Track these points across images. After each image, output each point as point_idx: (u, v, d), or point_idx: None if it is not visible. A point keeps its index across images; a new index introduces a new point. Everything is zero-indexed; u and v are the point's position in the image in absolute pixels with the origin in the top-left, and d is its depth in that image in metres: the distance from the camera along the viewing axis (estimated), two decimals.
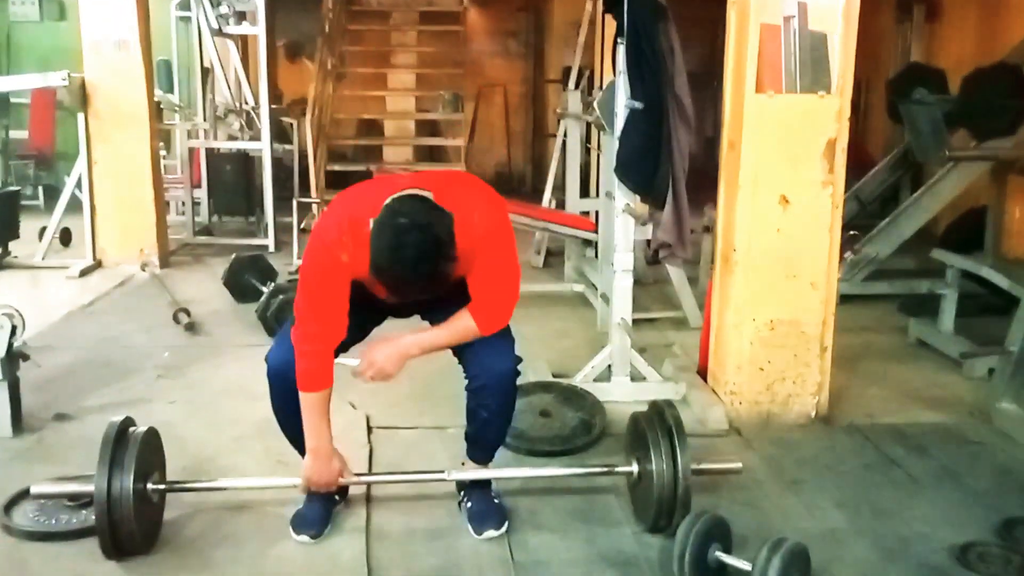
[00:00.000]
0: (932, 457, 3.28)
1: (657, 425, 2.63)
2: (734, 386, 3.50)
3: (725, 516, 2.46)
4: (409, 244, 2.17)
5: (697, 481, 2.60)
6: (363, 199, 2.39)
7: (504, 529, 2.66)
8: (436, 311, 2.58)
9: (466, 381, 2.59)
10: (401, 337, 2.49)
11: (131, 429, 2.51)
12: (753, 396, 3.50)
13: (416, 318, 2.68)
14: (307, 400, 2.47)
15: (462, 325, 2.48)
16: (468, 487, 2.76)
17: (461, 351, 2.60)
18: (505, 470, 2.58)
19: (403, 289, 2.30)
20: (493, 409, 2.60)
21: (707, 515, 2.39)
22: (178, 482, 2.68)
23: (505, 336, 2.56)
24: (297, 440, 2.62)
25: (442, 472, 2.71)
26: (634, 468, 2.69)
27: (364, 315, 2.57)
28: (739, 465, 2.82)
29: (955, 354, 4.24)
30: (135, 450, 2.43)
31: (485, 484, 2.77)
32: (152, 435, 2.57)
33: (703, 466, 2.70)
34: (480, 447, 2.74)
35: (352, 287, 2.45)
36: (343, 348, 2.55)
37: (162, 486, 2.57)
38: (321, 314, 2.42)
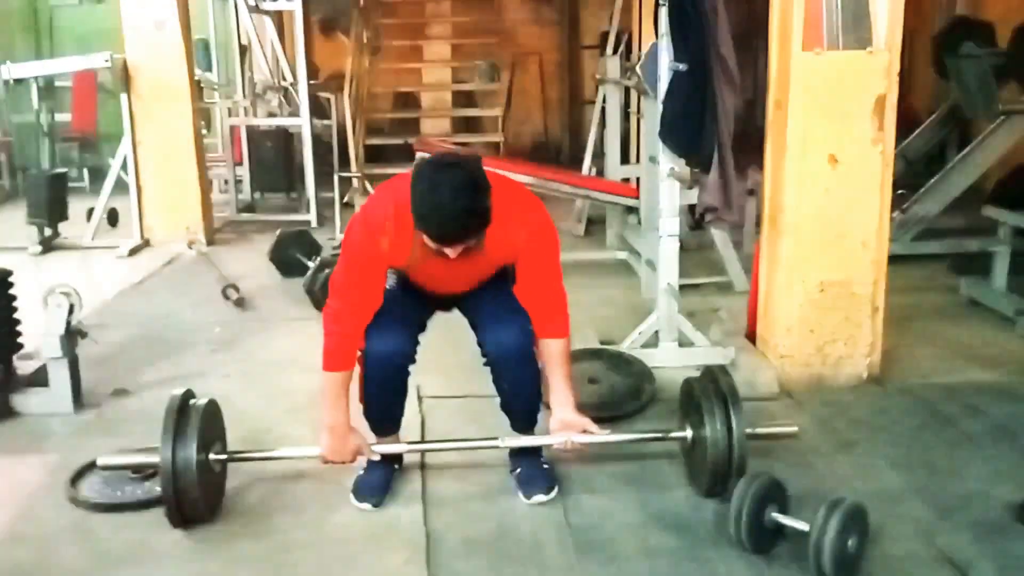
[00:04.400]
0: (987, 416, 3.24)
1: (711, 391, 2.63)
2: (784, 349, 3.48)
3: (779, 478, 2.45)
4: (445, 180, 2.24)
5: (750, 443, 2.59)
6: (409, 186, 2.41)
7: (554, 494, 2.68)
8: (474, 301, 2.67)
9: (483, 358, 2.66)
10: (565, 412, 2.61)
11: (192, 401, 2.57)
12: (804, 358, 3.47)
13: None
14: (329, 379, 2.52)
15: (560, 351, 2.58)
16: (517, 455, 2.79)
17: (473, 323, 2.68)
18: (558, 436, 2.60)
19: (445, 228, 2.28)
20: (510, 380, 2.66)
21: (763, 476, 2.40)
22: (239, 452, 2.74)
23: (514, 310, 2.58)
24: (379, 422, 2.70)
25: (495, 439, 2.73)
26: (688, 433, 2.70)
27: (416, 309, 2.66)
28: (795, 429, 2.81)
29: (1009, 312, 4.18)
30: (197, 421, 2.49)
31: (534, 451, 2.79)
32: (212, 406, 2.62)
33: (758, 431, 2.69)
34: (515, 418, 2.78)
35: (400, 281, 2.58)
36: (413, 348, 2.62)
37: (224, 456, 2.63)
38: (354, 296, 2.48)
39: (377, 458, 2.71)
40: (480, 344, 2.64)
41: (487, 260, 2.53)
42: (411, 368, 2.65)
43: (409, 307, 2.63)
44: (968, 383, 3.54)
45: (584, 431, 2.60)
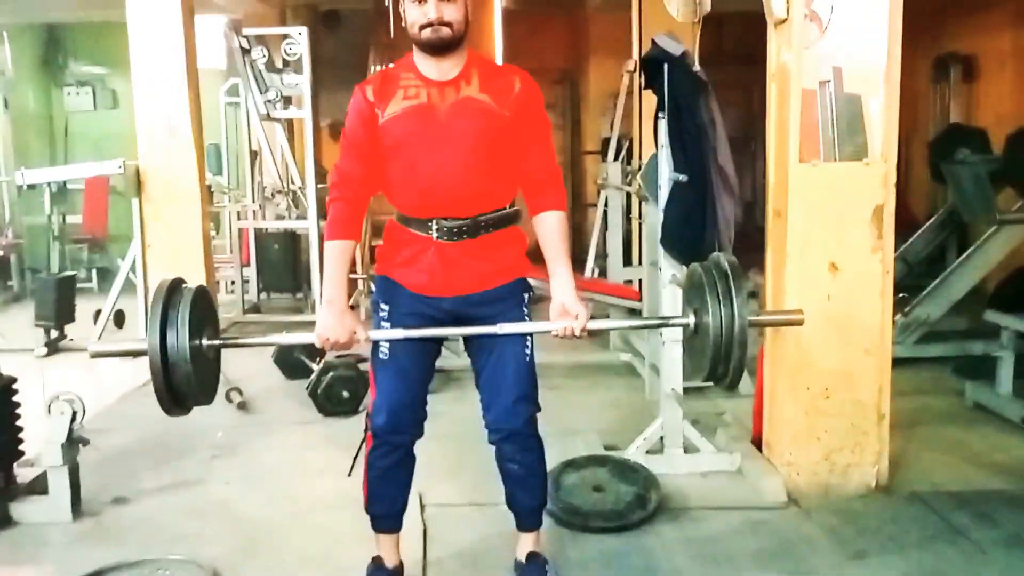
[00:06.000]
0: (999, 525, 3.19)
1: (715, 275, 2.46)
2: (791, 456, 3.45)
3: None
4: None
5: (759, 554, 2.55)
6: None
7: None
8: (482, 357, 2.62)
9: (486, 432, 2.62)
10: (565, 296, 2.51)
11: (184, 286, 2.42)
12: (811, 466, 3.44)
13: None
14: (331, 249, 2.51)
15: (557, 225, 2.57)
16: (524, 567, 2.74)
17: (478, 383, 2.64)
18: (558, 322, 2.43)
19: None
20: (519, 460, 2.64)
21: None
22: (232, 337, 2.67)
23: (523, 384, 2.57)
24: (381, 516, 2.67)
25: (494, 327, 2.52)
26: (691, 320, 2.55)
27: (420, 367, 2.61)
28: (801, 316, 2.63)
29: (1016, 417, 4.15)
30: (188, 305, 2.33)
31: (540, 563, 2.75)
32: (203, 291, 2.46)
33: (761, 318, 2.62)
34: (525, 514, 2.74)
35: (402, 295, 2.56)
36: (423, 396, 2.60)
37: (217, 341, 2.47)
38: (352, 162, 2.53)
39: (368, 344, 2.57)
40: (484, 417, 2.62)
41: (481, 109, 2.45)
42: (417, 443, 2.62)
43: (412, 372, 2.57)
44: (978, 492, 3.49)
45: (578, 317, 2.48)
